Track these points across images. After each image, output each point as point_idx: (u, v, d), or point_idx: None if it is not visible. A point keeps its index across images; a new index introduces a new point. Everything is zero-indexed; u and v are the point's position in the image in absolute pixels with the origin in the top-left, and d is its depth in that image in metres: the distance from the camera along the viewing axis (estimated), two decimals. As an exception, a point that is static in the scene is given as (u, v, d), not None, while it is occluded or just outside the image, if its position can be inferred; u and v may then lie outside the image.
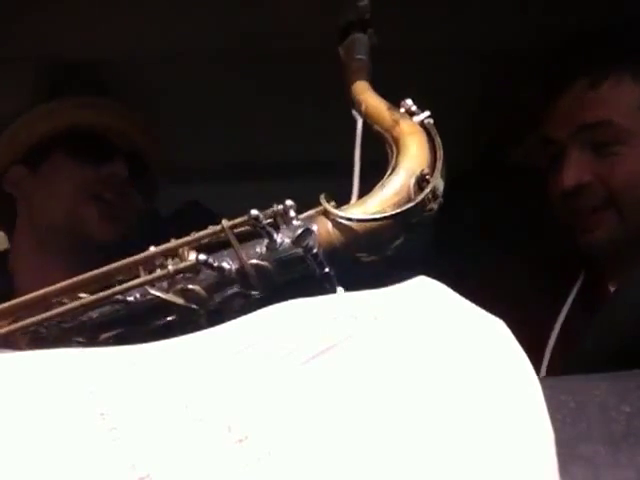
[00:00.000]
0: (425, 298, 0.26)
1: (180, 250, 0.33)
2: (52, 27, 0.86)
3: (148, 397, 0.21)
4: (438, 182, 0.32)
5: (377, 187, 0.32)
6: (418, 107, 0.39)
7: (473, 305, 0.26)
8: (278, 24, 0.86)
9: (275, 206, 0.33)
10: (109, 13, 0.83)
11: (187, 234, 0.34)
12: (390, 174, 0.32)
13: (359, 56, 0.44)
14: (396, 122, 0.36)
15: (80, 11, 0.82)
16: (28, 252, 0.89)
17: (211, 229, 0.33)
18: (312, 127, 1.20)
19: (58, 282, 0.84)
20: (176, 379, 0.22)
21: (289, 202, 0.33)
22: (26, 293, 0.89)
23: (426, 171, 0.32)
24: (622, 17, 0.76)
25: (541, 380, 0.22)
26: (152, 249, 0.33)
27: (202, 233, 0.33)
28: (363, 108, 0.38)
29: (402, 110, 0.37)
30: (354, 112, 0.39)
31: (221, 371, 0.22)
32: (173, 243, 0.33)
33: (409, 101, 0.37)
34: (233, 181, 1.45)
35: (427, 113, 0.36)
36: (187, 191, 1.16)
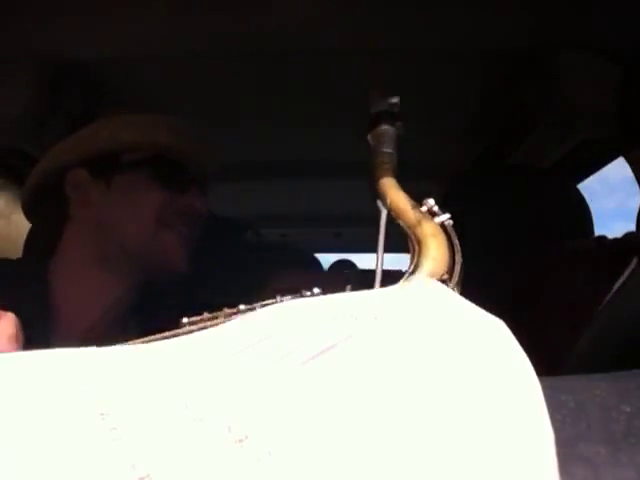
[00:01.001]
0: (425, 298, 0.27)
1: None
2: (52, 27, 0.86)
3: (148, 397, 0.21)
4: (455, 287, 0.33)
5: (398, 286, 0.32)
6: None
7: (473, 305, 0.26)
8: (278, 24, 0.86)
9: None
10: (109, 13, 0.83)
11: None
12: (411, 273, 0.33)
13: (387, 150, 0.47)
14: (419, 222, 0.37)
15: (80, 11, 0.82)
16: (81, 264, 0.84)
17: None
18: (312, 127, 1.20)
19: (105, 301, 0.84)
20: (176, 379, 0.22)
21: None
22: (70, 306, 0.88)
23: (445, 276, 0.33)
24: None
25: (541, 380, 0.22)
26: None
27: None
28: (388, 202, 0.40)
29: (424, 209, 0.38)
30: (379, 203, 0.41)
31: (221, 371, 0.22)
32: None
33: (431, 201, 0.38)
34: (233, 181, 1.45)
35: (447, 215, 0.37)
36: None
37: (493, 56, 0.95)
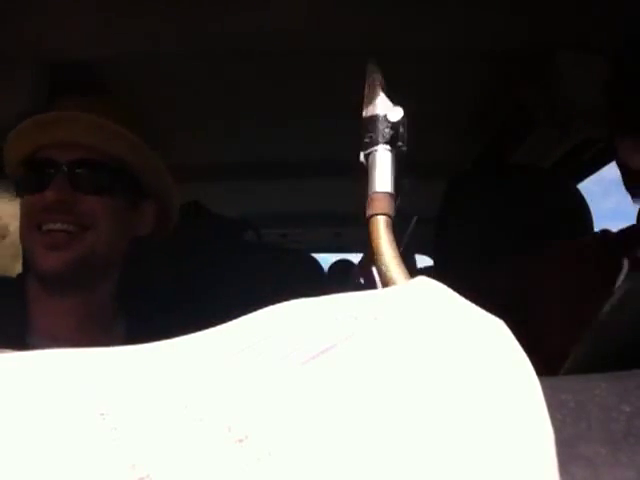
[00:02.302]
0: (425, 298, 0.27)
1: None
2: (52, 27, 0.86)
3: (148, 397, 0.21)
4: None
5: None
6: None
7: (473, 305, 0.26)
8: (278, 24, 0.86)
9: None
10: (109, 13, 0.83)
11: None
12: None
13: (382, 190, 0.44)
14: (387, 269, 0.36)
15: (80, 11, 0.82)
16: (33, 277, 0.86)
17: None
18: (312, 127, 1.20)
19: (71, 313, 0.83)
20: (176, 379, 0.22)
21: None
22: (43, 321, 0.88)
23: None
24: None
25: (541, 380, 0.22)
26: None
27: None
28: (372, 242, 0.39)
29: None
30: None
31: (221, 371, 0.22)
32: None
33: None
34: (233, 181, 1.45)
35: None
36: (187, 191, 1.16)
37: (493, 56, 0.95)
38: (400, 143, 0.43)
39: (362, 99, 0.45)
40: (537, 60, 0.94)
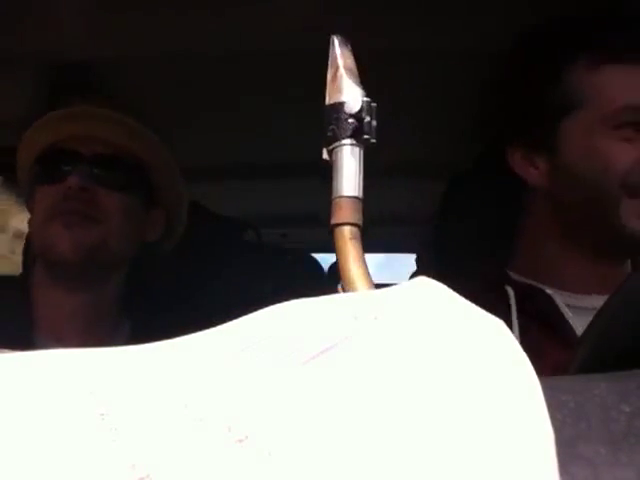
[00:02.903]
0: (425, 298, 0.27)
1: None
2: (52, 27, 0.86)
3: (148, 397, 0.21)
4: None
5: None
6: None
7: (473, 305, 0.26)
8: (277, 25, 0.86)
9: None
10: (109, 13, 0.83)
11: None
12: None
13: (350, 194, 0.42)
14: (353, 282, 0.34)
15: (80, 11, 0.82)
16: (41, 275, 0.86)
17: None
18: (312, 127, 1.20)
19: (75, 312, 0.83)
20: (176, 379, 0.22)
21: None
22: (47, 320, 0.88)
23: None
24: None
25: (541, 380, 0.22)
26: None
27: None
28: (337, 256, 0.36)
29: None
30: None
31: (221, 371, 0.22)
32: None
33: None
34: (233, 181, 1.45)
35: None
36: (187, 191, 1.16)
37: (493, 56, 0.95)
38: (366, 136, 0.36)
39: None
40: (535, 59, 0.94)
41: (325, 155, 0.37)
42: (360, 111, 0.36)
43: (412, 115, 1.08)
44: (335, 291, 0.29)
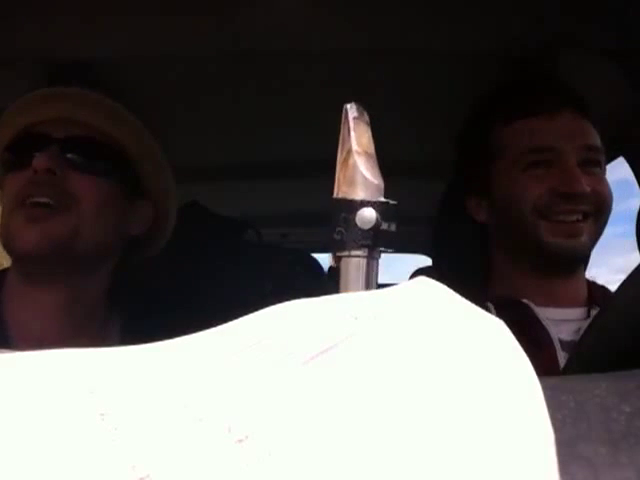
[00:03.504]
0: (425, 298, 0.27)
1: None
2: (52, 27, 0.86)
3: (148, 397, 0.21)
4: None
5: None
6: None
7: (473, 305, 0.26)
8: (277, 24, 0.86)
9: None
10: (109, 13, 0.83)
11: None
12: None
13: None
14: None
15: (80, 11, 0.82)
16: (12, 274, 0.79)
17: None
18: (312, 127, 1.20)
19: (49, 312, 0.77)
20: (176, 379, 0.22)
21: None
22: (20, 322, 0.80)
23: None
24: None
25: (541, 380, 0.22)
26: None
27: None
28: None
29: None
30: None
31: (221, 371, 0.22)
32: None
33: None
34: (233, 181, 1.45)
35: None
36: (187, 191, 1.16)
37: (494, 57, 0.95)
38: (382, 248, 0.31)
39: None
40: (537, 60, 0.94)
41: (331, 261, 0.32)
42: (377, 224, 0.30)
43: (412, 115, 1.08)
44: (335, 291, 0.29)
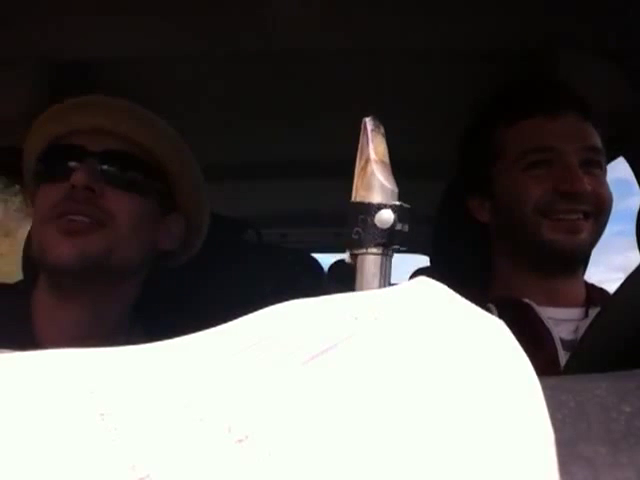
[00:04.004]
0: (426, 298, 0.27)
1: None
2: (52, 27, 0.86)
3: (148, 397, 0.21)
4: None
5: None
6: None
7: (473, 305, 0.26)
8: (277, 25, 0.86)
9: None
10: (109, 13, 0.83)
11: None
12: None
13: None
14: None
15: (80, 11, 0.82)
16: (43, 287, 0.77)
17: None
18: (312, 127, 1.20)
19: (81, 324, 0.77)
20: (176, 379, 0.22)
21: None
22: (51, 336, 0.79)
23: None
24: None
25: (541, 380, 0.22)
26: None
27: None
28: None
29: None
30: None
31: (221, 371, 0.22)
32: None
33: None
34: (233, 181, 1.45)
35: None
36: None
37: (493, 56, 0.95)
38: (397, 246, 0.34)
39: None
40: (537, 60, 0.94)
41: (347, 258, 0.35)
42: (393, 225, 0.34)
43: (412, 115, 1.08)
44: (335, 291, 0.29)
